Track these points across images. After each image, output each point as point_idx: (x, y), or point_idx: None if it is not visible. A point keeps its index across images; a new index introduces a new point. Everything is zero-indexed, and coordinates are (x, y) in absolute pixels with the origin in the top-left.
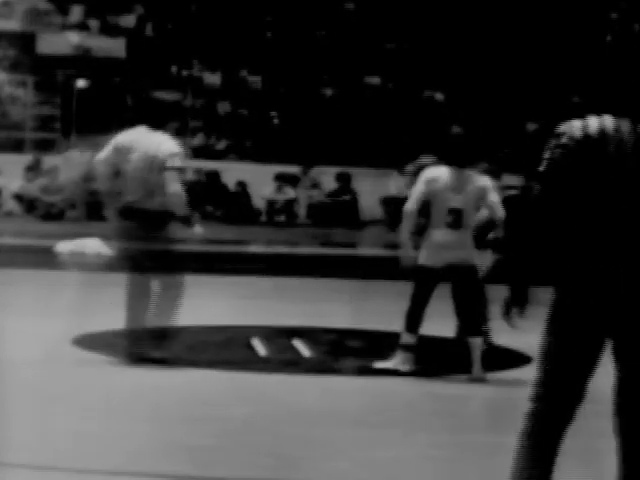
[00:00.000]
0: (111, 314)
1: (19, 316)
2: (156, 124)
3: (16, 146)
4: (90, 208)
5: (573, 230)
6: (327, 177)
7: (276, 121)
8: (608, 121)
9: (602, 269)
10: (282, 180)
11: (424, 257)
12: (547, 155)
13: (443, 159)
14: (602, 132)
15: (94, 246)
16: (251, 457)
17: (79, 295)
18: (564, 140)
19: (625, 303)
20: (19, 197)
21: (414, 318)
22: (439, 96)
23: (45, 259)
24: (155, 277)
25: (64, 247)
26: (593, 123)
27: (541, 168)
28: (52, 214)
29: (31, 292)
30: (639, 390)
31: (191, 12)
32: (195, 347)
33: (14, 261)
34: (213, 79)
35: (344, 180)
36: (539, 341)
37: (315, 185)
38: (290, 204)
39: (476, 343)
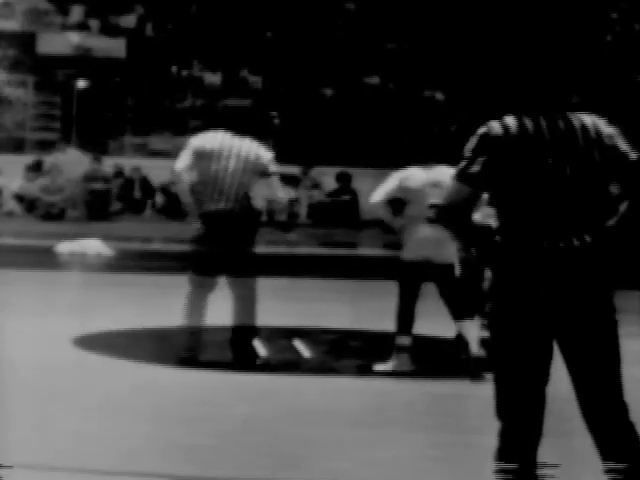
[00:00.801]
0: (111, 314)
1: (19, 316)
2: (239, 131)
3: (16, 146)
4: (90, 208)
5: (508, 226)
6: (327, 177)
7: (276, 121)
8: (526, 118)
9: (536, 264)
10: (282, 180)
11: (405, 252)
12: (473, 156)
13: (420, 156)
14: (522, 129)
15: (94, 246)
16: (251, 457)
17: (79, 295)
18: (487, 141)
19: (566, 301)
20: (19, 197)
21: (405, 318)
22: (439, 96)
23: (45, 259)
24: (230, 281)
25: (64, 247)
26: (512, 122)
27: (473, 170)
28: (52, 214)
29: (31, 292)
30: (598, 396)
31: (191, 12)
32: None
33: (14, 261)
34: (213, 79)
35: (344, 180)
36: None
37: (316, 185)
38: (290, 204)
39: (467, 324)
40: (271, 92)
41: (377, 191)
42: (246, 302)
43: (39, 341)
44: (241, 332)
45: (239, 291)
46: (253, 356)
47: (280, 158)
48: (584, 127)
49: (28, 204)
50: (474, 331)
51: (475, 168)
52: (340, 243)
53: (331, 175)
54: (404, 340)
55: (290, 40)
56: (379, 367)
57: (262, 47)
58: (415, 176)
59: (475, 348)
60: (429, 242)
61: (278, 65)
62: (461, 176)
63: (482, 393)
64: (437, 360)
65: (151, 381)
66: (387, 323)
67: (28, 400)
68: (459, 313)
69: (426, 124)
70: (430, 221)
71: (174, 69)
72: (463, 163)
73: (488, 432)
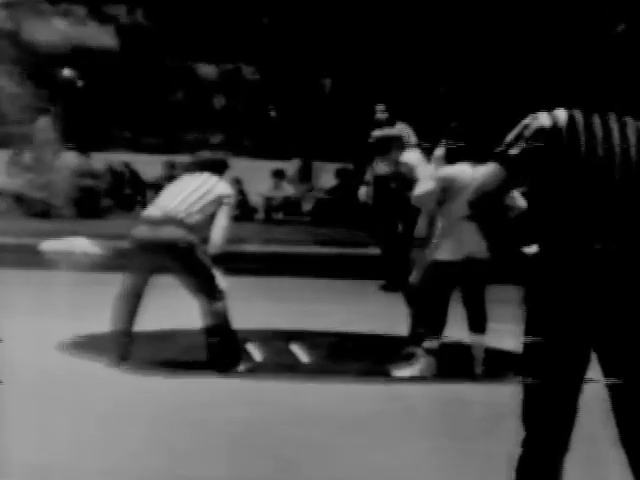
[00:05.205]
0: (100, 316)
1: (4, 318)
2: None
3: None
4: (79, 205)
5: (546, 222)
6: (327, 173)
7: (273, 114)
8: (577, 113)
9: (576, 265)
10: (279, 176)
11: (443, 252)
12: (512, 141)
13: (460, 154)
14: (571, 123)
15: (82, 245)
16: (249, 461)
17: (66, 296)
18: (532, 130)
19: (611, 307)
20: (1, 193)
21: (437, 321)
22: (442, 89)
23: (30, 258)
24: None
25: (50, 246)
26: (561, 114)
27: (512, 152)
28: (39, 211)
29: (16, 293)
30: (635, 406)
31: (185, 1)
32: (190, 350)
33: None
34: (207, 70)
35: (344, 176)
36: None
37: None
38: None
39: (479, 341)
40: (268, 84)
41: (420, 188)
42: (208, 301)
43: (25, 344)
44: (211, 333)
45: (195, 291)
46: (228, 360)
47: (277, 153)
48: (638, 129)
49: (12, 200)
50: (482, 349)
51: (513, 152)
52: (340, 242)
53: (330, 171)
54: (433, 343)
55: (287, 29)
56: (401, 372)
57: (258, 36)
58: (464, 173)
59: (479, 363)
60: (470, 239)
61: (275, 55)
62: (498, 158)
63: (485, 399)
64: (440, 363)
65: (146, 385)
66: (388, 325)
67: (16, 405)
68: (478, 324)
69: (431, 117)
70: (469, 218)
71: (167, 60)
72: (502, 147)
73: (491, 439)
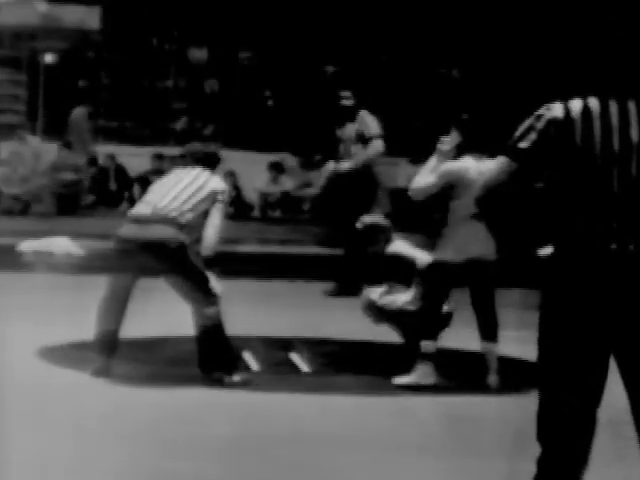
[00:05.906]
0: (81, 322)
1: None
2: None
3: None
4: (59, 201)
5: (559, 217)
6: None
7: (270, 102)
8: (593, 102)
9: (592, 261)
10: (277, 169)
11: (444, 252)
12: (523, 133)
13: (468, 147)
14: (586, 113)
15: (63, 245)
16: None
17: (45, 300)
18: (545, 122)
19: (626, 310)
20: None
21: (431, 321)
22: (455, 73)
23: (6, 259)
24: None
25: (29, 246)
26: (576, 105)
27: (522, 145)
28: (15, 208)
29: None
30: None
31: None
32: (178, 360)
33: None
34: (199, 55)
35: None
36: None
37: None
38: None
39: (491, 349)
40: (265, 69)
41: (421, 177)
42: (201, 306)
43: (2, 352)
44: (203, 341)
45: (187, 295)
46: (222, 369)
47: (275, 145)
48: None
49: None
50: (494, 358)
51: (524, 144)
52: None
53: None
54: (429, 346)
55: (287, 9)
56: (400, 380)
57: (255, 18)
58: (471, 168)
59: (492, 373)
60: (477, 239)
61: (273, 39)
62: (508, 150)
63: (498, 412)
64: (452, 374)
65: (128, 398)
66: (394, 332)
67: None
68: (489, 332)
69: (441, 106)
70: (476, 217)
71: (155, 43)
72: (512, 139)
73: (504, 457)
